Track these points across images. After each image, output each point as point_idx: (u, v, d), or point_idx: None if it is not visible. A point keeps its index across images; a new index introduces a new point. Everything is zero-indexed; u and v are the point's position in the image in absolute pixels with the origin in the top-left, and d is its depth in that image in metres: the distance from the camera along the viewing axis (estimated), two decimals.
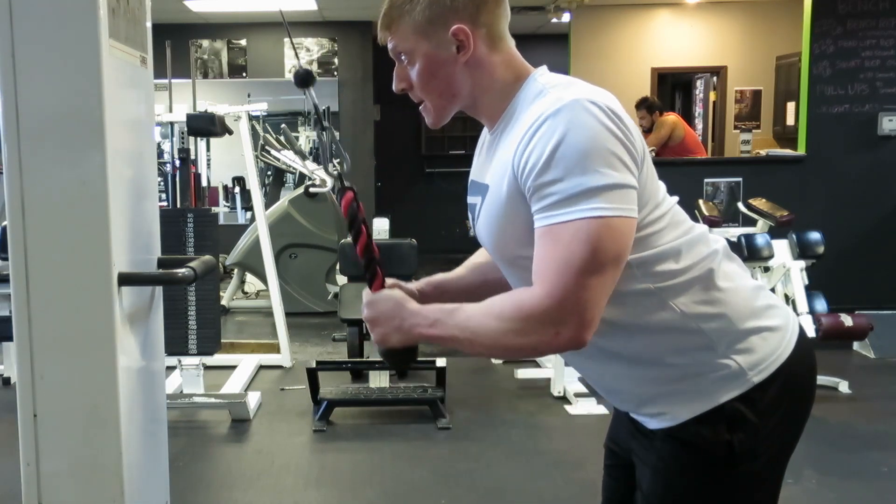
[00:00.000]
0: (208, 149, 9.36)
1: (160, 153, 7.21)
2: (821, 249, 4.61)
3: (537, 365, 5.17)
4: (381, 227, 5.84)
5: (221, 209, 9.57)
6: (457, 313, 1.36)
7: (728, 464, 1.37)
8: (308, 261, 6.86)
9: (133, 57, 1.91)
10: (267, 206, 6.47)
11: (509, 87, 1.41)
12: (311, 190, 6.92)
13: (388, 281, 1.52)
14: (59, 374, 1.75)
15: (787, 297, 4.54)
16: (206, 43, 9.42)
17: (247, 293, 7.43)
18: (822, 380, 4.51)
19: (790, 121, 7.88)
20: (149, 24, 2.03)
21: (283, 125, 8.20)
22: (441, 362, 4.32)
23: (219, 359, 4.59)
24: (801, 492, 3.33)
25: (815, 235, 4.63)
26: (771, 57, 8.48)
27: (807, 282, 4.57)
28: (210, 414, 4.32)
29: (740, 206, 5.46)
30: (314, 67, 9.41)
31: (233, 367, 4.99)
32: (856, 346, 5.41)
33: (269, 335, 5.79)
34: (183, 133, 5.23)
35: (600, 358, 1.43)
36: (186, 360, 4.36)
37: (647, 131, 7.15)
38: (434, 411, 4.21)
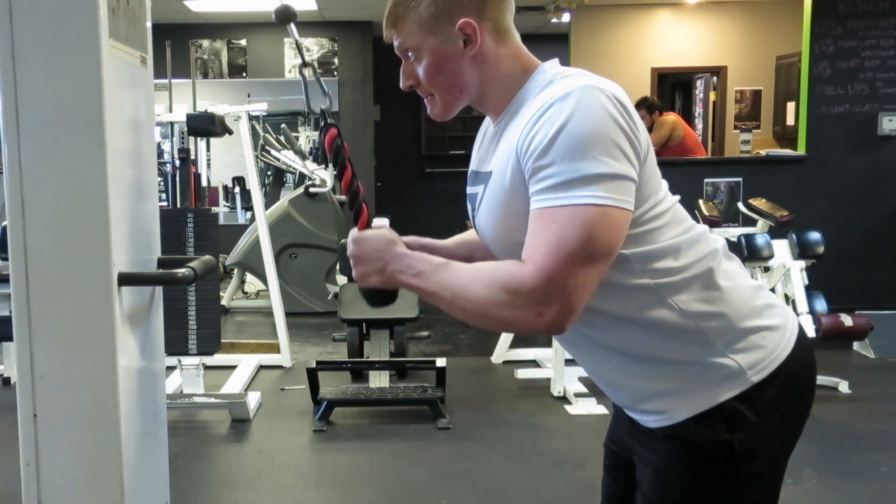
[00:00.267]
0: (208, 149, 9.36)
1: (160, 153, 7.21)
2: (821, 249, 4.61)
3: (537, 365, 5.17)
4: (381, 226, 5.83)
5: (221, 209, 9.57)
6: (443, 269, 1.34)
7: (728, 463, 1.37)
8: (308, 261, 6.86)
9: (133, 57, 1.91)
10: (267, 206, 6.47)
11: (517, 79, 1.41)
12: (311, 190, 6.92)
13: (378, 222, 1.49)
14: (59, 374, 1.75)
15: (787, 297, 4.54)
16: (206, 43, 9.42)
17: (247, 293, 7.43)
18: (822, 380, 4.51)
19: (790, 121, 7.88)
20: (149, 24, 2.03)
21: (283, 125, 8.21)
22: (441, 362, 4.32)
23: (219, 359, 4.59)
24: (801, 492, 3.33)
25: (815, 235, 4.63)
26: (771, 57, 8.48)
27: (807, 282, 4.57)
28: (210, 414, 4.32)
29: (740, 206, 5.46)
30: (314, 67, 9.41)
31: (233, 367, 4.99)
32: (856, 346, 5.41)
33: (269, 335, 5.79)
34: (183, 133, 5.23)
35: (600, 352, 1.43)
36: (186, 360, 4.36)
37: (646, 131, 7.14)
38: (434, 411, 4.21)
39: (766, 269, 4.64)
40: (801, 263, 4.59)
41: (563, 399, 4.51)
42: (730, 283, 1.40)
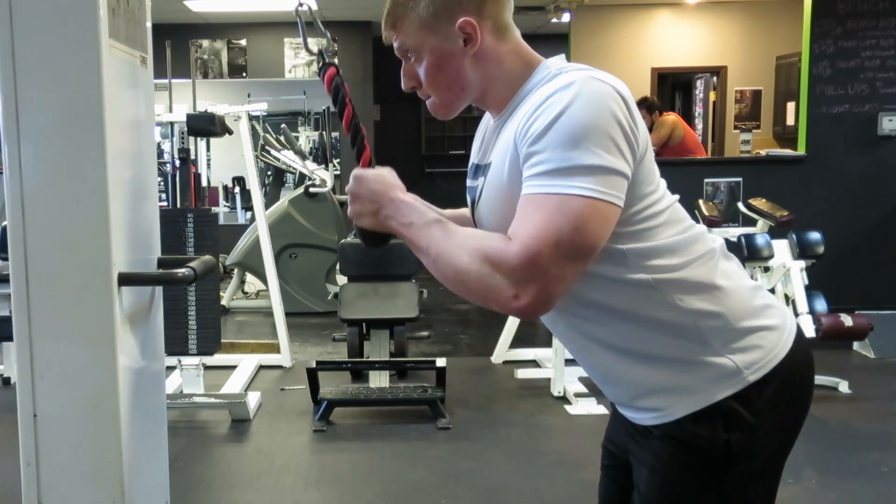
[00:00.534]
0: (208, 149, 9.37)
1: (160, 153, 7.21)
2: (821, 249, 4.61)
3: (537, 365, 5.17)
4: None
5: (221, 209, 9.58)
6: (434, 226, 1.33)
7: (725, 463, 1.37)
8: (308, 261, 6.86)
9: (133, 57, 1.91)
10: (267, 206, 6.47)
11: (519, 75, 1.40)
12: (311, 190, 6.92)
13: (383, 170, 1.46)
14: (59, 374, 1.75)
15: (787, 297, 4.54)
16: (206, 43, 9.42)
17: (247, 293, 7.43)
18: (822, 380, 4.51)
19: (790, 121, 7.88)
20: (149, 24, 2.03)
21: (283, 125, 8.22)
22: (441, 362, 4.32)
23: (219, 359, 4.59)
24: (801, 492, 3.32)
25: (815, 235, 4.63)
26: (771, 57, 8.48)
27: (807, 282, 4.57)
28: (210, 414, 4.32)
29: (740, 206, 5.46)
30: (313, 67, 9.41)
31: (233, 367, 4.99)
32: (856, 346, 5.41)
33: (269, 335, 5.79)
34: (183, 133, 5.23)
35: (597, 348, 1.43)
36: (186, 360, 4.36)
37: (646, 129, 7.15)
38: (434, 411, 4.21)
39: (766, 269, 4.64)
40: (801, 263, 4.59)
41: (563, 399, 4.51)
42: (728, 283, 1.40)
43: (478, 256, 1.26)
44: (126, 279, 1.78)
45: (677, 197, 1.43)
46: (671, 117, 7.24)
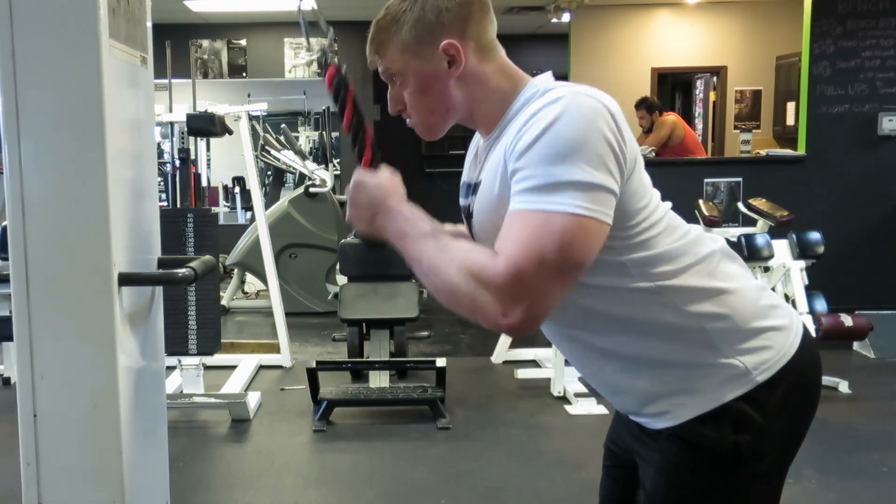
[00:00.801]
0: (208, 149, 9.37)
1: (160, 153, 7.21)
2: (821, 249, 4.61)
3: (537, 365, 5.17)
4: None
5: (221, 209, 9.58)
6: (427, 239, 1.32)
7: (733, 464, 1.37)
8: (308, 261, 6.86)
9: (133, 57, 1.91)
10: (267, 206, 6.47)
11: (506, 94, 1.40)
12: (311, 190, 6.93)
13: (384, 176, 1.46)
14: (59, 374, 1.75)
15: (787, 297, 4.54)
16: (206, 43, 9.42)
17: (247, 293, 7.43)
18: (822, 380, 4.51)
19: (790, 121, 7.88)
20: (149, 24, 2.03)
21: (283, 125, 8.22)
22: (441, 362, 4.32)
23: (219, 359, 4.59)
24: (801, 492, 3.33)
25: (815, 235, 4.63)
26: (771, 57, 8.48)
27: (807, 282, 4.57)
28: (210, 414, 4.32)
29: (740, 206, 5.46)
30: (313, 67, 9.42)
31: (233, 367, 4.99)
32: (856, 346, 5.42)
33: (269, 335, 5.79)
34: (183, 133, 5.23)
35: (604, 359, 1.42)
36: (186, 360, 4.36)
37: (646, 131, 7.14)
38: (434, 411, 4.21)
39: (766, 269, 4.64)
40: (801, 263, 4.59)
41: (563, 399, 4.51)
42: (732, 284, 1.40)
43: (465, 272, 1.26)
44: (126, 279, 1.78)
45: (669, 204, 1.43)
46: (671, 117, 7.23)
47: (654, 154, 6.68)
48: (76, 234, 1.73)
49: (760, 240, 4.58)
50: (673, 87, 9.83)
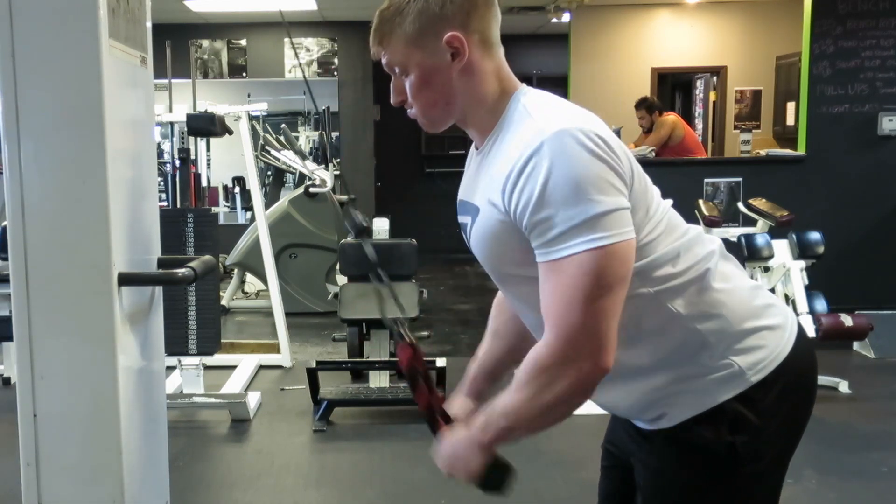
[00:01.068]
0: (208, 149, 9.37)
1: (160, 153, 7.21)
2: (821, 249, 4.61)
3: None
4: (381, 227, 5.83)
5: (221, 209, 9.57)
6: (496, 405, 1.37)
7: (731, 465, 1.37)
8: (308, 261, 6.86)
9: (133, 57, 1.92)
10: (267, 206, 6.46)
11: (497, 101, 1.40)
12: (311, 190, 6.92)
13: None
14: (59, 374, 1.75)
15: (787, 297, 4.53)
16: (206, 43, 9.42)
17: (247, 293, 7.43)
18: (822, 380, 4.49)
19: (790, 121, 7.88)
20: (149, 24, 2.03)
21: (283, 125, 8.21)
22: (441, 362, 4.32)
23: (219, 359, 4.59)
24: (801, 492, 3.33)
25: (815, 235, 4.63)
26: (771, 57, 8.48)
27: (807, 282, 4.57)
28: (210, 414, 4.32)
29: (740, 206, 5.46)
30: (314, 67, 9.42)
31: (233, 367, 4.98)
32: (856, 346, 5.41)
33: (269, 335, 5.79)
34: (183, 133, 5.23)
35: None
36: (186, 360, 4.36)
37: (646, 131, 7.15)
38: None
39: (766, 269, 4.64)
40: (801, 263, 4.59)
41: None
42: (727, 285, 1.40)
43: (529, 380, 1.31)
44: (126, 279, 1.79)
45: (670, 202, 1.43)
46: (671, 117, 7.23)
47: (654, 154, 6.68)
48: (76, 234, 1.73)
49: (760, 240, 4.58)
50: (673, 87, 9.82)
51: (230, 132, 5.02)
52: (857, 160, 6.27)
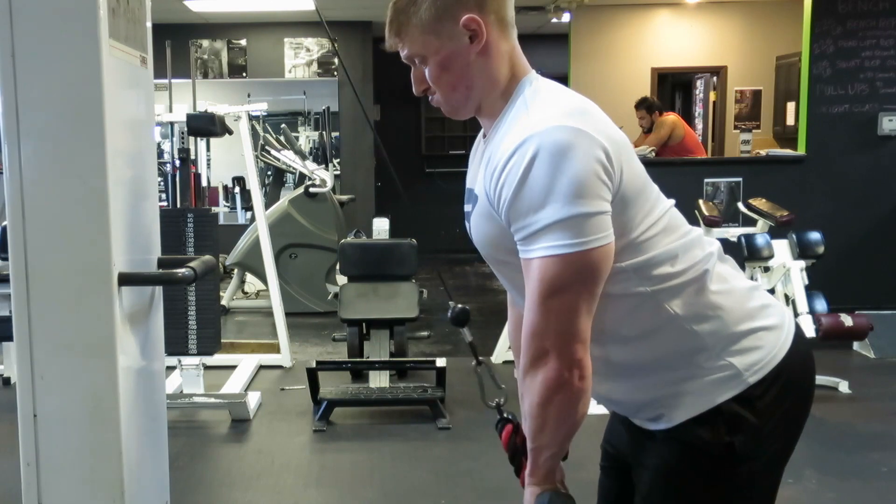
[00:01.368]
0: (208, 149, 9.36)
1: (160, 153, 7.21)
2: (821, 249, 4.61)
3: None
4: (381, 227, 5.84)
5: (221, 209, 9.57)
6: (532, 448, 1.42)
7: (728, 465, 1.37)
8: (308, 261, 6.86)
9: (133, 57, 1.91)
10: (267, 206, 6.46)
11: (505, 86, 1.41)
12: (311, 190, 6.92)
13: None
14: (59, 374, 1.75)
15: (787, 297, 4.53)
16: (206, 43, 9.41)
17: (247, 293, 7.43)
18: (822, 380, 4.51)
19: (790, 121, 7.88)
20: (149, 24, 2.03)
21: (283, 125, 8.21)
22: (441, 362, 4.32)
23: (219, 359, 4.59)
24: (801, 492, 3.32)
25: (815, 235, 4.62)
26: (771, 57, 8.47)
27: (807, 282, 4.57)
28: (210, 414, 4.32)
29: (740, 206, 5.46)
30: (314, 67, 9.41)
31: (233, 367, 4.98)
32: (856, 346, 5.41)
33: (269, 335, 5.79)
34: (183, 133, 5.23)
35: (595, 368, 1.42)
36: (186, 360, 4.36)
37: (646, 131, 7.14)
38: (434, 411, 4.21)
39: (766, 269, 4.64)
40: (801, 263, 4.58)
41: None
42: (724, 286, 1.40)
43: (525, 386, 1.37)
44: (126, 279, 1.79)
45: (672, 202, 1.43)
46: (671, 117, 7.23)
47: (654, 154, 6.67)
48: (76, 234, 1.73)
49: (760, 240, 4.58)
50: (673, 87, 9.82)
51: (230, 132, 5.02)
52: (857, 160, 6.27)
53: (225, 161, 9.50)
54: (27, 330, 1.73)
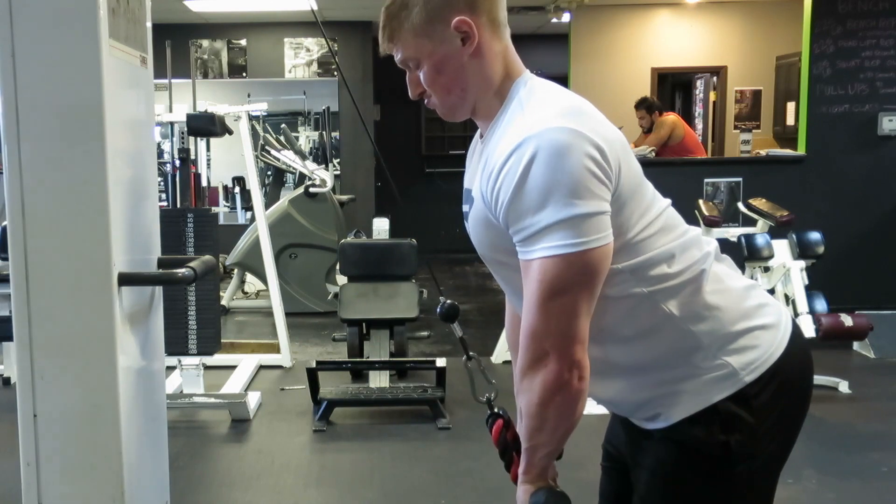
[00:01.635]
0: (208, 149, 9.36)
1: (160, 153, 7.21)
2: (821, 249, 4.61)
3: None
4: (381, 227, 5.83)
5: (221, 209, 9.56)
6: (533, 450, 1.42)
7: (725, 464, 1.37)
8: (308, 261, 6.86)
9: (133, 57, 1.92)
10: (267, 206, 6.46)
11: (499, 86, 1.41)
12: (311, 190, 6.92)
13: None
14: (59, 374, 1.75)
15: (787, 297, 4.53)
16: (206, 43, 9.42)
17: (247, 293, 7.43)
18: (822, 380, 4.51)
19: (790, 121, 7.88)
20: (149, 24, 2.03)
21: (283, 125, 8.21)
22: (441, 362, 4.32)
23: (219, 359, 4.59)
24: (801, 492, 3.32)
25: (815, 235, 4.63)
26: (771, 57, 8.48)
27: (807, 282, 4.57)
28: (210, 414, 4.32)
29: (740, 206, 5.46)
30: (314, 67, 9.41)
31: (233, 367, 4.98)
32: (856, 346, 5.41)
33: (269, 335, 5.79)
34: (183, 133, 5.22)
35: (591, 366, 1.42)
36: (186, 360, 4.36)
37: (646, 131, 7.14)
38: (434, 411, 4.21)
39: (766, 269, 4.64)
40: (801, 263, 4.59)
41: None
42: (720, 286, 1.40)
43: (523, 385, 1.37)
44: (126, 279, 1.79)
45: (669, 202, 1.43)
46: (671, 117, 7.23)
47: (654, 154, 6.67)
48: (76, 234, 1.73)
49: (760, 240, 4.58)
50: (673, 87, 9.82)
51: (230, 132, 5.02)
52: (857, 160, 6.27)
53: (225, 161, 9.50)
54: (27, 330, 1.73)
